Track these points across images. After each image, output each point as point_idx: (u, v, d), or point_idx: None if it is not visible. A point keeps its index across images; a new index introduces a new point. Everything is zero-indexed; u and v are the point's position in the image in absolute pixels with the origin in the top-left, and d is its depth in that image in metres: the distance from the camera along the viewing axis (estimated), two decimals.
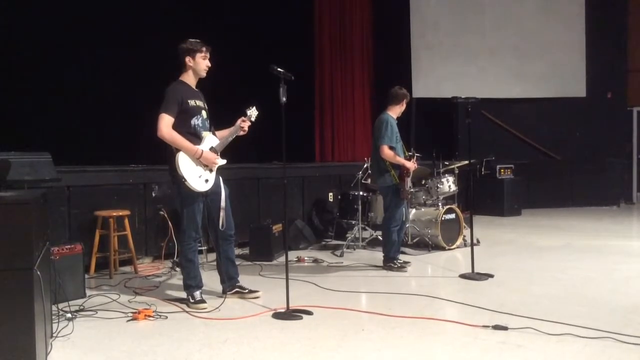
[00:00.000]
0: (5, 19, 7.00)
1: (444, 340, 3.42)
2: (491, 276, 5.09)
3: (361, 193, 6.86)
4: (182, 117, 4.09)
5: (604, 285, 4.78)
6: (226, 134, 4.37)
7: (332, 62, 10.70)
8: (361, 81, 11.11)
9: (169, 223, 5.85)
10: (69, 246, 4.45)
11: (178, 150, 4.05)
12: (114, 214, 5.32)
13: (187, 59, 4.18)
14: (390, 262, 5.53)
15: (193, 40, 4.21)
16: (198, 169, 4.11)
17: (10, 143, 5.19)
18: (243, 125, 4.31)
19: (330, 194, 7.75)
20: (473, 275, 5.09)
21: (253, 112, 4.34)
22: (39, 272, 2.77)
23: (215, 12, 8.69)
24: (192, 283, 4.25)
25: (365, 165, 6.98)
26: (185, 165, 4.05)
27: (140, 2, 8.06)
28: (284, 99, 4.07)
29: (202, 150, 4.11)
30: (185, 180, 4.02)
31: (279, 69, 4.03)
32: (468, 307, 4.13)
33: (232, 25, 8.61)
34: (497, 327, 3.57)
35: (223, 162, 4.30)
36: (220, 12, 8.73)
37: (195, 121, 4.17)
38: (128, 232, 5.42)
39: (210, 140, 4.25)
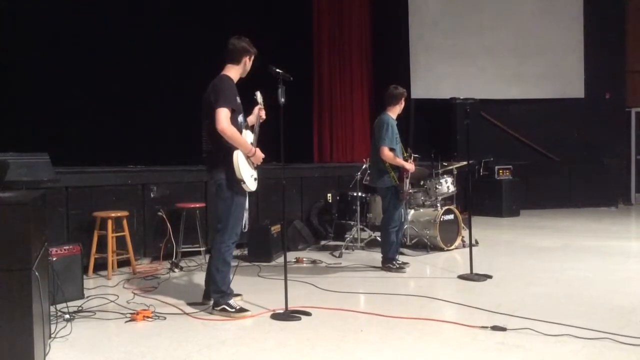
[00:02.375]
0: (4, 19, 7.00)
1: (443, 341, 3.42)
2: (490, 277, 5.09)
3: (360, 194, 6.86)
4: (233, 114, 3.98)
5: (602, 286, 4.78)
6: (255, 127, 4.28)
7: (330, 62, 10.69)
8: (360, 82, 11.11)
9: (168, 224, 5.85)
10: (67, 247, 4.45)
11: (233, 148, 3.92)
12: (113, 214, 5.31)
13: (247, 58, 4.12)
14: (388, 263, 5.53)
15: (249, 41, 4.15)
16: (249, 168, 4.04)
17: (8, 144, 5.18)
18: (261, 113, 4.25)
19: (329, 194, 7.75)
20: (471, 276, 5.10)
21: (259, 97, 4.27)
22: (37, 273, 2.77)
23: (214, 12, 8.70)
24: (226, 289, 4.07)
25: (364, 166, 6.98)
26: (243, 166, 3.95)
27: (140, 2, 8.07)
28: (283, 99, 4.07)
29: (256, 149, 4.07)
30: (244, 182, 3.94)
31: (277, 70, 4.03)
32: (466, 307, 4.14)
33: (230, 25, 8.61)
34: (495, 328, 3.57)
35: None
36: (218, 12, 8.73)
37: (241, 119, 4.12)
38: (126, 233, 5.41)
39: (249, 137, 4.17)
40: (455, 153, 10.29)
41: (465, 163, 5.50)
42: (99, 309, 4.15)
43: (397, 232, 5.60)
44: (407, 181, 5.50)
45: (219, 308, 4.04)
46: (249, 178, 4.02)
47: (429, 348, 3.32)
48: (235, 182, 3.95)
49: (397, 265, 5.52)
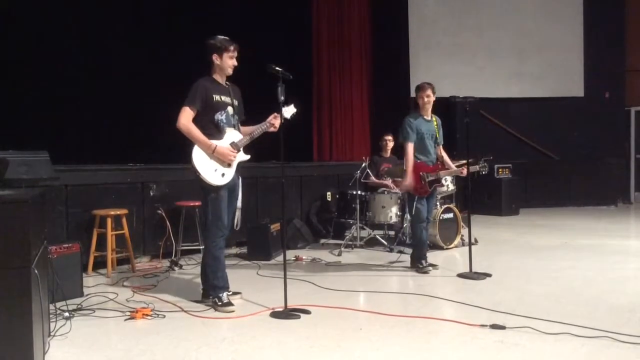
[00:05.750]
0: (4, 18, 6.99)
1: (442, 340, 3.43)
2: (489, 275, 5.10)
3: (359, 192, 6.86)
4: (206, 111, 4.08)
5: (601, 285, 4.78)
6: (252, 130, 4.30)
7: (330, 61, 10.68)
8: (359, 80, 11.09)
9: (167, 222, 5.85)
10: (66, 245, 4.45)
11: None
12: (112, 212, 5.31)
13: (214, 57, 4.15)
14: (416, 262, 5.46)
15: (222, 37, 4.16)
16: (213, 162, 4.07)
17: (8, 142, 5.18)
18: (274, 122, 4.24)
19: (329, 193, 7.75)
20: (471, 275, 5.10)
21: (289, 110, 4.27)
22: (36, 271, 2.77)
23: (213, 12, 8.68)
24: (218, 283, 4.16)
25: (363, 165, 6.99)
26: (200, 159, 4.03)
27: (140, 3, 8.06)
28: (282, 98, 4.07)
29: (216, 146, 4.07)
30: (199, 173, 4.01)
31: (277, 68, 4.03)
32: (466, 306, 4.14)
33: (229, 25, 8.61)
34: (494, 326, 3.58)
35: (245, 157, 4.27)
36: (218, 12, 8.72)
37: (219, 116, 4.14)
38: (126, 231, 5.41)
39: (232, 135, 4.20)
40: (455, 152, 10.28)
41: (464, 162, 5.50)
42: (98, 307, 4.15)
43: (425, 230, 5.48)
44: (427, 175, 5.35)
45: (212, 301, 4.16)
46: (210, 172, 4.05)
47: (428, 346, 3.32)
48: (194, 174, 4.04)
49: (423, 265, 5.43)
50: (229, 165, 4.16)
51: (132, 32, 7.93)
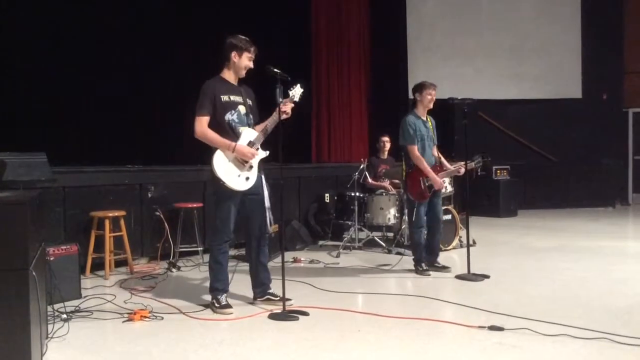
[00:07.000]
0: (4, 19, 6.99)
1: (440, 341, 3.43)
2: (487, 277, 5.10)
3: (357, 194, 6.85)
4: (215, 113, 4.02)
5: (599, 286, 4.79)
6: (265, 124, 4.19)
7: (329, 62, 10.69)
8: (358, 82, 11.10)
9: (165, 224, 5.85)
10: (64, 247, 4.44)
11: (215, 149, 3.98)
12: (110, 214, 5.30)
13: (233, 54, 4.07)
14: (417, 264, 5.43)
15: (243, 37, 4.11)
16: (235, 167, 4.00)
17: (5, 143, 5.17)
18: (285, 108, 4.07)
19: (327, 194, 7.75)
20: (469, 276, 5.10)
21: (297, 91, 4.16)
22: (34, 273, 2.77)
23: (212, 12, 8.69)
24: (218, 286, 4.15)
25: (361, 166, 6.98)
26: (222, 166, 3.96)
27: (140, 4, 8.07)
28: (281, 99, 4.06)
29: (236, 144, 3.98)
30: (224, 182, 3.94)
31: (275, 70, 4.01)
32: (464, 307, 4.14)
33: (228, 26, 8.61)
34: (493, 328, 3.58)
35: (265, 153, 4.17)
36: (217, 12, 8.72)
37: (230, 116, 4.07)
38: (124, 232, 5.40)
39: (248, 134, 4.11)
40: (453, 153, 10.29)
41: (462, 163, 5.50)
42: (96, 309, 4.14)
43: (428, 233, 5.43)
44: (423, 179, 5.35)
45: (210, 303, 4.17)
46: (234, 178, 4.00)
47: (426, 348, 3.32)
48: (216, 182, 3.98)
49: (423, 268, 5.40)
50: (250, 167, 4.08)
51: (131, 33, 7.92)
